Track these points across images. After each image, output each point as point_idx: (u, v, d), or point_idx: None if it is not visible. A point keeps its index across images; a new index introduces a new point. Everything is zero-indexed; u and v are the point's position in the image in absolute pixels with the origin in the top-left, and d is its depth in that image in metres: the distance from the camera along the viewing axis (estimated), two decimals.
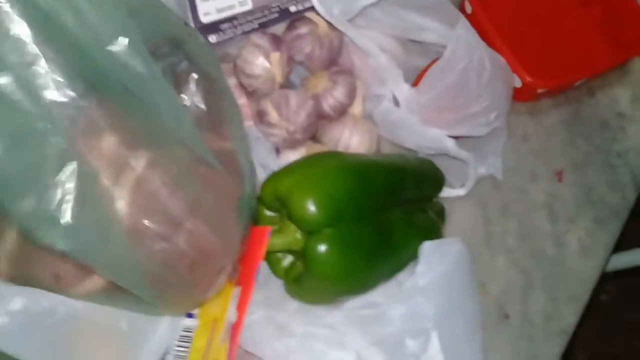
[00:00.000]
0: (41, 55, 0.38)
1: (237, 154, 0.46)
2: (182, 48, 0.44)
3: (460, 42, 0.54)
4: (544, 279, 0.59)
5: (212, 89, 0.45)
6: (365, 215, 0.48)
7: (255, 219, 0.50)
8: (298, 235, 0.48)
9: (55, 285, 0.42)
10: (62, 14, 0.39)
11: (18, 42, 0.37)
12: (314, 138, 0.59)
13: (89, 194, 0.40)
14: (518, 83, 0.61)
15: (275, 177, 0.49)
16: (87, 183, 0.39)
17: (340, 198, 0.47)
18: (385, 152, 0.61)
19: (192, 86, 0.44)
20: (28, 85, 0.38)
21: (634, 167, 0.66)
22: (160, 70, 0.41)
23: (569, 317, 0.58)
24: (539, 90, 0.62)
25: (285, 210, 0.48)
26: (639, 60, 0.70)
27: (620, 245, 0.66)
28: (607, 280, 0.83)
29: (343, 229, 0.47)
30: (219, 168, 0.44)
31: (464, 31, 0.54)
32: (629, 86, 0.70)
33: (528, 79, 0.60)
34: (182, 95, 0.43)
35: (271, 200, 0.49)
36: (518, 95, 0.61)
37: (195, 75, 0.44)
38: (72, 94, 0.39)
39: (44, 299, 0.42)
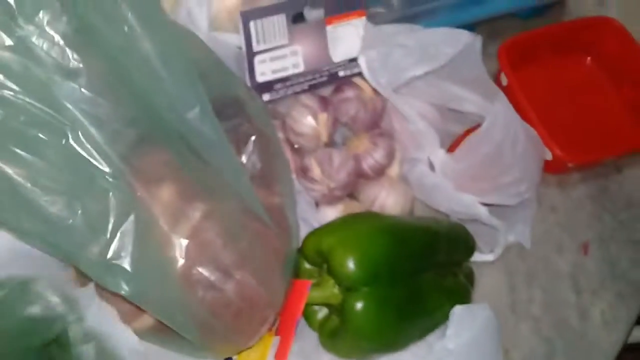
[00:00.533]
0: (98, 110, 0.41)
1: (285, 210, 0.49)
2: (244, 109, 0.48)
3: (499, 116, 0.57)
4: (566, 349, 0.60)
5: (267, 148, 0.49)
6: (401, 277, 0.50)
7: (297, 272, 0.52)
8: (336, 290, 0.50)
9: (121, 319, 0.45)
10: (136, 72, 0.42)
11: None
12: (352, 195, 0.62)
13: (148, 241, 0.42)
14: (549, 156, 0.63)
15: (318, 233, 0.52)
16: (145, 230, 0.42)
17: (379, 259, 0.49)
18: (419, 213, 0.63)
19: (251, 146, 0.47)
20: (91, 144, 0.41)
21: None
22: (224, 133, 0.44)
23: None
24: (569, 165, 0.64)
25: (326, 265, 0.50)
26: None
27: None
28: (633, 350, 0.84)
29: (379, 288, 0.49)
30: (269, 224, 0.46)
31: (502, 106, 0.57)
32: None
33: (558, 152, 0.62)
34: (242, 155, 0.46)
35: (312, 255, 0.51)
36: (548, 167, 0.63)
37: (254, 137, 0.47)
38: (125, 150, 0.42)
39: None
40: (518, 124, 0.58)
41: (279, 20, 0.55)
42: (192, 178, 0.45)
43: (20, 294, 0.44)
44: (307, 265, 0.53)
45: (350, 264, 0.48)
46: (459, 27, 0.62)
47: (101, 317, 0.45)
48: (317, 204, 0.60)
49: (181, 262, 0.43)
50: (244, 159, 0.47)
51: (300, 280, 0.51)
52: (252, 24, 0.54)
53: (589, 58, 0.73)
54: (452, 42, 0.55)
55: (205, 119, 0.42)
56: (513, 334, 0.60)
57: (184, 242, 0.44)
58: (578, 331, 0.61)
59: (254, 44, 0.55)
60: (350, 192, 0.61)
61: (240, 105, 0.47)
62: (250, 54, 0.55)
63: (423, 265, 0.53)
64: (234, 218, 0.45)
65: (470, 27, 0.70)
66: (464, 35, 0.55)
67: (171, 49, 0.42)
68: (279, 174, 0.49)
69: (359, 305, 0.48)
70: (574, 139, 0.65)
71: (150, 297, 0.43)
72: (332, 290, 0.50)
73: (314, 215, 0.58)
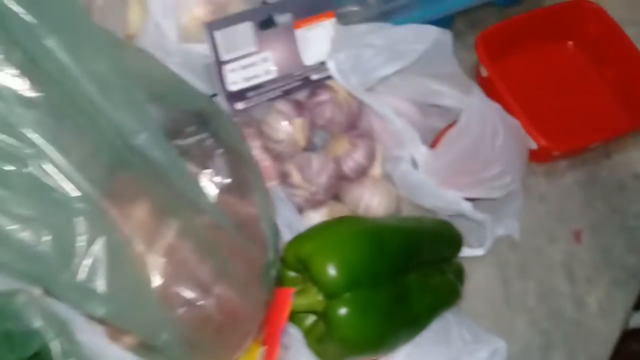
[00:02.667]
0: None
1: (260, 221, 0.48)
2: (208, 124, 0.47)
3: (474, 109, 0.56)
4: (563, 340, 0.59)
5: (236, 160, 0.48)
6: (383, 279, 0.50)
7: (280, 279, 0.52)
8: (320, 297, 0.49)
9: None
10: (83, 102, 0.42)
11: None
12: (336, 198, 0.61)
13: (122, 262, 0.42)
14: (534, 145, 0.62)
15: (297, 240, 0.51)
16: (119, 252, 0.42)
17: (359, 263, 0.49)
18: (406, 212, 0.62)
19: (217, 160, 0.47)
20: (59, 169, 0.40)
21: None
22: (186, 150, 0.44)
23: None
24: (554, 153, 0.63)
25: (307, 273, 0.50)
26: None
27: None
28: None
29: (362, 293, 0.48)
30: (241, 238, 0.46)
31: (477, 99, 0.56)
32: None
33: (542, 142, 0.61)
34: (209, 169, 0.46)
35: (293, 262, 0.51)
36: (534, 156, 0.63)
37: (220, 150, 0.47)
38: (94, 174, 0.41)
39: None
40: (496, 116, 0.57)
41: (245, 28, 0.55)
42: (160, 197, 0.45)
43: None
44: (290, 273, 0.52)
45: (331, 270, 0.47)
46: (436, 20, 0.61)
47: (90, 335, 0.45)
48: (301, 210, 0.60)
49: (159, 281, 0.43)
50: (212, 173, 0.46)
51: (283, 289, 0.50)
52: (217, 33, 0.54)
53: (570, 43, 0.72)
54: (421, 38, 0.54)
55: (154, 144, 0.42)
56: (509, 328, 0.59)
57: (161, 260, 0.43)
58: (575, 321, 0.60)
59: (222, 53, 0.55)
60: (335, 195, 0.61)
61: (204, 120, 0.47)
62: (219, 64, 0.55)
63: (406, 266, 0.52)
64: (207, 234, 0.45)
65: (449, 19, 0.69)
66: (433, 31, 0.55)
67: (112, 78, 0.41)
68: (252, 185, 0.49)
69: (342, 312, 0.47)
70: (559, 127, 0.64)
71: (128, 317, 0.42)
72: (315, 298, 0.49)
73: (299, 221, 0.58)
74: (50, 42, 0.39)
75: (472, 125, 0.55)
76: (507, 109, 0.60)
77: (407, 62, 0.54)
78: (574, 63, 0.71)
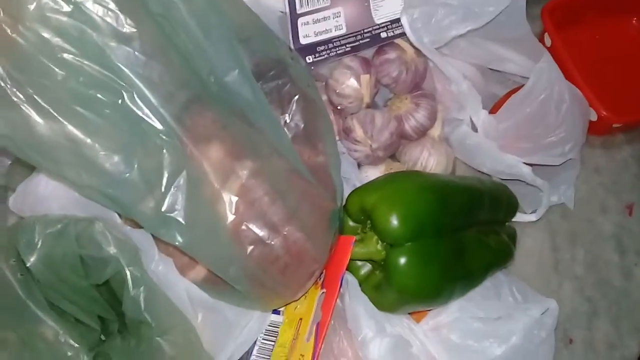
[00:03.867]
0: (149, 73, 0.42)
1: (330, 169, 0.50)
2: (287, 71, 0.49)
3: (543, 74, 0.56)
4: (609, 308, 0.61)
5: (310, 108, 0.50)
6: (443, 233, 0.51)
7: (341, 228, 0.53)
8: (379, 246, 0.51)
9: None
10: (179, 38, 0.44)
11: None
12: (393, 156, 0.63)
13: (199, 196, 0.44)
14: (593, 116, 0.63)
15: (361, 190, 0.53)
16: (197, 186, 0.44)
17: (422, 215, 0.50)
18: (459, 173, 0.64)
19: (294, 106, 0.48)
20: (145, 104, 0.42)
21: None
22: (265, 94, 0.45)
23: (633, 347, 0.59)
24: (614, 125, 0.64)
25: (369, 222, 0.51)
26: None
27: None
28: None
29: (422, 244, 0.50)
30: (314, 182, 0.47)
31: (547, 65, 0.57)
32: None
33: (603, 113, 0.62)
34: (285, 115, 0.48)
35: (356, 212, 0.52)
36: (593, 128, 0.63)
37: (296, 97, 0.48)
38: (177, 110, 0.43)
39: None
40: (563, 84, 0.57)
41: None
42: (238, 137, 0.46)
43: (76, 233, 0.46)
44: (350, 223, 0.54)
45: (394, 220, 0.49)
46: None
47: (160, 265, 0.47)
48: (359, 165, 0.61)
49: (231, 217, 0.45)
50: (287, 118, 0.48)
51: (344, 237, 0.52)
52: None
53: (635, 19, 0.72)
54: (496, 0, 0.54)
55: (244, 82, 0.44)
56: (556, 293, 0.61)
57: (234, 198, 0.45)
58: (621, 291, 0.61)
59: (298, 6, 0.56)
60: (393, 153, 0.62)
61: (283, 67, 0.48)
62: (294, 17, 0.56)
63: (466, 223, 0.53)
64: (281, 176, 0.46)
65: None
66: None
67: (209, 16, 0.43)
68: (323, 134, 0.50)
69: (402, 261, 0.49)
70: (619, 100, 0.64)
71: (202, 249, 0.45)
72: (375, 247, 0.51)
73: (356, 175, 0.59)
74: None
75: (539, 90, 0.55)
76: (570, 79, 0.60)
77: (481, 23, 0.54)
78: (637, 39, 0.71)
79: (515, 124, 0.58)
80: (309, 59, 0.58)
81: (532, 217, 0.61)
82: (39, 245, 0.47)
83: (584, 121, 0.60)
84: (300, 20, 0.57)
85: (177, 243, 0.43)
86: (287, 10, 0.56)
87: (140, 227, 0.46)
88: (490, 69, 0.64)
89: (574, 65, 0.63)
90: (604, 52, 0.70)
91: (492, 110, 0.63)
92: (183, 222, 0.43)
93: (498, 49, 0.60)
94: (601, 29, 0.71)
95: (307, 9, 0.56)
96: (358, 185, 0.56)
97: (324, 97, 0.60)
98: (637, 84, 0.68)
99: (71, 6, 0.41)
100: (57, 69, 0.41)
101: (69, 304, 0.49)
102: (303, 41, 0.57)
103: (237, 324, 0.50)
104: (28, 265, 0.46)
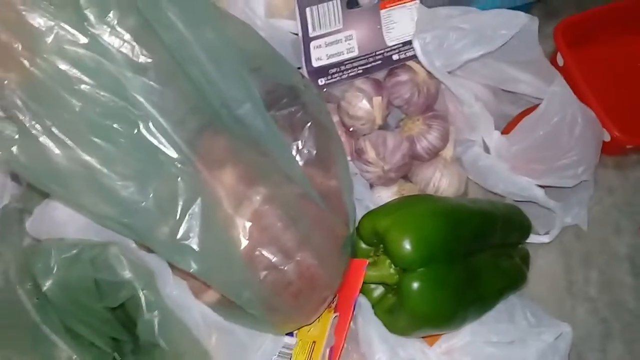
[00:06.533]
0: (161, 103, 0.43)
1: (343, 193, 0.50)
2: (299, 98, 0.49)
3: (556, 97, 0.56)
4: (623, 330, 0.60)
5: (323, 134, 0.50)
6: (456, 258, 0.51)
7: (354, 251, 0.54)
8: (392, 270, 0.51)
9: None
10: (191, 70, 0.44)
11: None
12: (406, 177, 0.63)
13: (213, 222, 0.45)
14: (607, 137, 0.62)
15: (374, 214, 0.53)
16: (211, 212, 0.44)
17: (434, 240, 0.50)
18: (471, 195, 0.64)
19: (306, 133, 0.49)
20: (160, 132, 0.43)
21: None
22: (278, 121, 0.46)
23: None
24: (627, 146, 0.64)
25: (382, 246, 0.52)
26: None
27: None
28: None
29: (435, 269, 0.50)
30: (325, 209, 0.48)
31: (560, 87, 0.57)
32: None
33: (616, 134, 0.62)
34: (298, 141, 0.48)
35: (369, 235, 0.53)
36: (605, 148, 0.63)
37: (309, 124, 0.49)
38: (190, 136, 0.44)
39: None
40: (576, 106, 0.57)
41: (335, 6, 0.56)
42: (251, 164, 0.47)
43: (91, 257, 0.46)
44: (363, 245, 0.54)
45: (407, 245, 0.49)
46: (513, 8, 0.61)
47: (174, 289, 0.48)
48: (371, 186, 0.62)
49: (245, 243, 0.45)
50: (300, 144, 0.48)
51: (357, 260, 0.52)
52: (308, 10, 0.56)
53: None
54: (508, 24, 0.54)
55: (256, 114, 0.44)
56: (569, 315, 0.60)
57: (247, 224, 0.45)
58: (635, 312, 0.61)
59: (310, 29, 0.56)
60: (405, 174, 0.62)
61: (296, 93, 0.49)
62: (307, 40, 0.56)
63: (478, 247, 0.53)
64: (293, 203, 0.47)
65: (525, 7, 0.69)
66: (521, 17, 0.55)
67: (220, 48, 0.43)
68: (335, 158, 0.51)
69: (415, 286, 0.49)
70: (633, 120, 0.64)
71: (216, 275, 0.45)
72: (388, 270, 0.51)
73: (369, 196, 0.60)
74: (172, 12, 0.41)
75: (553, 113, 0.55)
76: (582, 99, 0.60)
77: (493, 47, 0.54)
78: None
79: (528, 146, 0.58)
80: (321, 82, 0.58)
81: (546, 239, 0.61)
82: (54, 270, 0.47)
83: (597, 143, 0.60)
84: (312, 44, 0.57)
85: (191, 270, 0.43)
86: (300, 33, 0.57)
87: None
88: (503, 90, 0.64)
89: (587, 85, 0.63)
90: (616, 71, 0.70)
91: (505, 131, 0.63)
92: (197, 250, 0.43)
93: (511, 70, 0.60)
94: (614, 48, 0.71)
95: (320, 32, 0.57)
96: (371, 206, 0.57)
97: (336, 119, 0.60)
98: None
99: (88, 38, 0.41)
100: (74, 100, 0.41)
101: (83, 327, 0.49)
102: (315, 64, 0.58)
103: (251, 346, 0.51)
104: (44, 289, 0.47)
